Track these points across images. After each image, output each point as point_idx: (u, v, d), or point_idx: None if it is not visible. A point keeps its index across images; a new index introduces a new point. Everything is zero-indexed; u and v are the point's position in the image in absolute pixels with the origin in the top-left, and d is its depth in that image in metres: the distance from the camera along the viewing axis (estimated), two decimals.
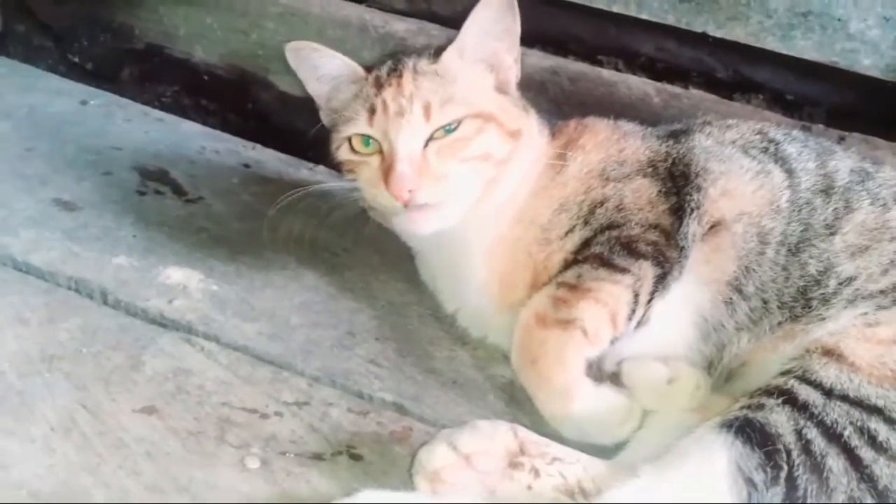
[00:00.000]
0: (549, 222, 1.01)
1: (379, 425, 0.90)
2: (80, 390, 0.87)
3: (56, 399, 0.85)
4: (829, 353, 0.84)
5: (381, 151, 0.99)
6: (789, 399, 0.80)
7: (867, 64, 1.33)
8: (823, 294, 0.91)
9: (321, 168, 1.53)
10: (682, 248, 0.97)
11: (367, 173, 1.00)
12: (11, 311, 0.98)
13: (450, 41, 1.04)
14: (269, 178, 1.45)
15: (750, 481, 0.75)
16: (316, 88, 1.10)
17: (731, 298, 0.96)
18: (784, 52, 1.33)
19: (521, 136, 1.01)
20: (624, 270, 0.95)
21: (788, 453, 0.76)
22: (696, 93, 1.42)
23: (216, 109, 1.72)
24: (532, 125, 1.06)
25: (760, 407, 0.80)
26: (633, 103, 1.41)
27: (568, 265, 0.98)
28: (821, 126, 1.35)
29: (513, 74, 1.05)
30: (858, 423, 0.78)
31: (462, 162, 0.97)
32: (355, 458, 0.84)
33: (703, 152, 1.02)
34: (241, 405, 0.89)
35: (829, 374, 0.82)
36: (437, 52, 1.03)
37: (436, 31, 1.51)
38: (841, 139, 1.32)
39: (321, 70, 1.07)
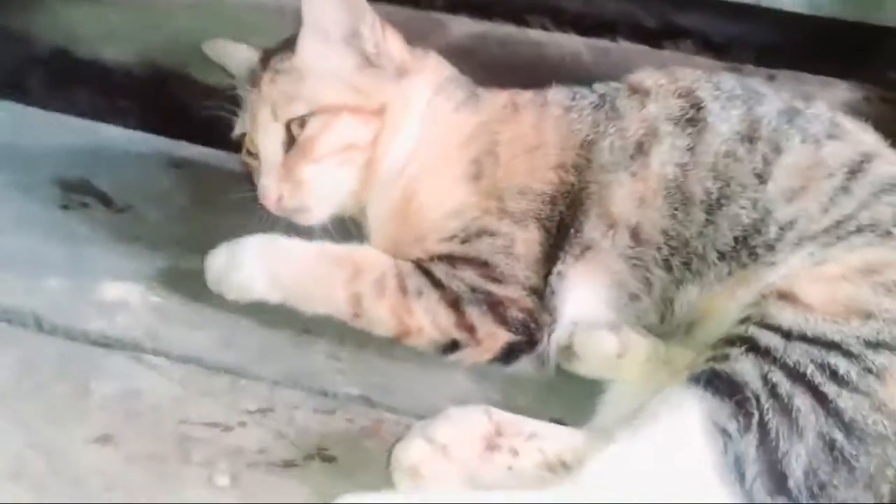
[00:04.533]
0: (437, 221, 0.99)
1: (348, 422, 0.88)
2: (25, 429, 0.82)
3: (1, 443, 0.80)
4: (784, 295, 0.85)
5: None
6: (752, 346, 0.81)
7: (790, 1, 1.35)
8: (766, 241, 0.92)
9: None
10: (553, 294, 0.94)
11: (255, 181, 1.03)
12: None
13: None
14: (200, 177, 1.39)
15: (724, 431, 0.75)
16: (235, 80, 1.10)
17: (648, 266, 0.95)
18: None
19: (386, 110, 1.01)
20: (468, 328, 0.93)
21: (757, 399, 0.77)
22: (625, 45, 1.43)
23: (134, 109, 1.63)
24: (414, 91, 1.04)
25: (725, 357, 0.80)
26: (564, 62, 1.41)
27: (423, 260, 0.97)
28: (750, 66, 1.36)
29: (372, 44, 1.02)
30: (819, 361, 0.79)
31: (316, 162, 0.98)
32: (328, 459, 0.82)
33: (599, 169, 0.99)
34: (202, 420, 0.86)
35: (785, 316, 0.83)
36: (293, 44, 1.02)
37: None
38: (771, 78, 1.34)
39: (233, 62, 1.10)
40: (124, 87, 1.62)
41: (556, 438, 0.79)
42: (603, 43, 1.42)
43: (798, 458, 0.76)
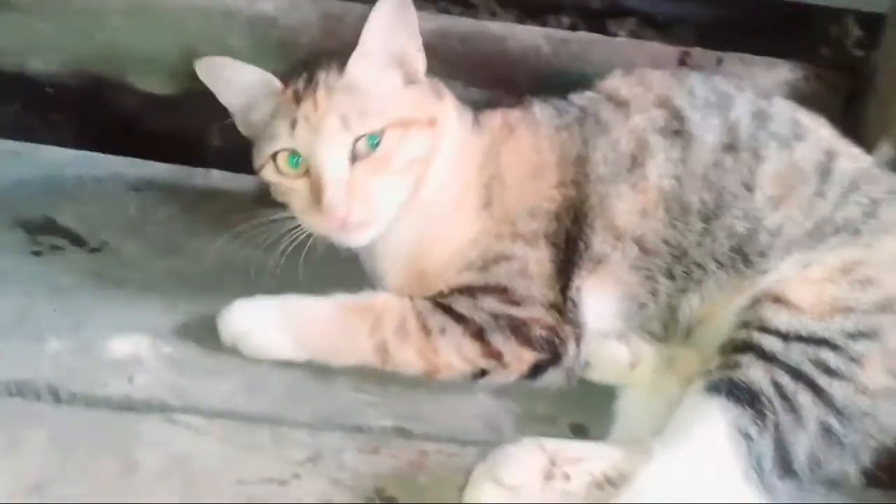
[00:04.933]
0: (459, 250, 1.02)
1: (394, 458, 0.92)
2: None
3: None
4: (777, 300, 0.94)
5: (307, 174, 0.98)
6: (758, 352, 0.90)
7: None
8: (758, 249, 1.00)
9: (215, 173, 1.45)
10: (575, 307, 1.00)
11: (297, 201, 1.01)
12: None
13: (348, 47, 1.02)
14: (167, 198, 1.35)
15: (747, 436, 0.85)
16: (231, 100, 1.07)
17: (654, 276, 1.02)
18: None
19: (436, 124, 1.02)
20: (495, 355, 0.97)
21: (770, 401, 0.87)
22: (582, 35, 1.47)
23: (69, 124, 1.56)
24: (448, 110, 1.07)
25: (737, 365, 0.90)
26: (525, 55, 1.43)
27: (441, 297, 1.00)
28: (699, 49, 1.43)
29: (419, 63, 1.04)
30: (813, 358, 0.90)
31: (393, 175, 0.99)
32: (388, 500, 0.87)
33: (598, 181, 1.04)
34: (257, 478, 0.88)
35: (781, 319, 0.92)
36: (344, 62, 1.01)
37: (307, 6, 1.44)
38: (719, 60, 1.42)
39: (235, 83, 1.04)
40: (55, 100, 1.53)
41: (601, 458, 0.86)
42: (561, 33, 1.45)
43: (802, 445, 0.87)
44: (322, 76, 1.00)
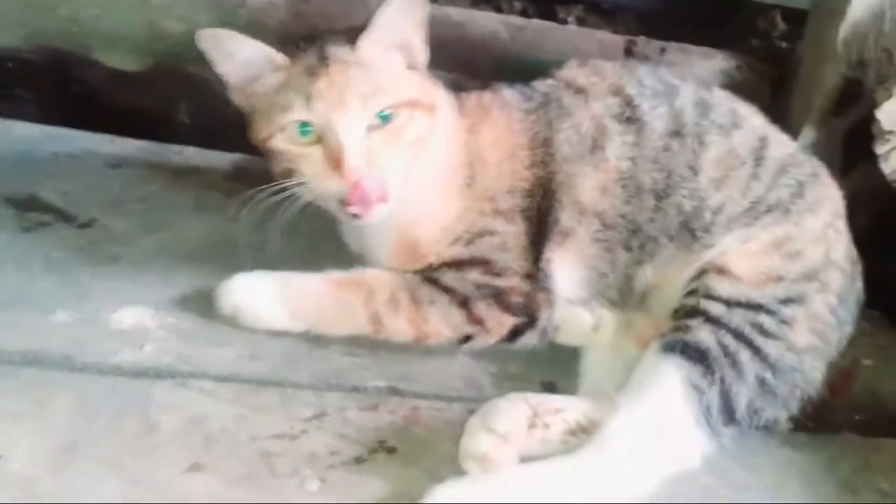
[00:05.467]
0: (448, 226, 1.12)
1: (391, 413, 1.03)
2: (116, 470, 0.89)
3: (101, 487, 0.87)
4: (720, 270, 1.08)
5: (319, 142, 1.04)
6: (705, 317, 1.04)
7: None
8: (703, 225, 1.13)
9: (189, 150, 1.50)
10: (546, 276, 1.11)
11: (310, 167, 1.05)
12: None
13: (355, 27, 1.08)
14: (145, 175, 1.40)
15: (698, 388, 0.99)
16: (230, 71, 1.09)
17: (613, 248, 1.14)
18: None
19: (435, 109, 1.11)
20: (479, 321, 1.08)
21: (717, 359, 1.01)
22: (536, 22, 1.57)
23: (35, 99, 1.57)
24: (442, 97, 1.15)
25: (688, 328, 1.04)
26: (484, 40, 1.52)
27: (434, 268, 1.10)
28: (643, 38, 1.56)
29: (421, 53, 1.12)
30: (751, 321, 1.05)
31: (400, 149, 1.07)
32: (390, 451, 0.97)
33: (563, 161, 1.15)
34: (269, 434, 0.97)
35: (724, 288, 1.07)
36: (351, 40, 1.07)
37: None
38: (662, 50, 1.55)
39: (237, 55, 1.07)
40: (18, 75, 1.54)
41: (575, 409, 0.99)
42: (517, 20, 1.55)
43: (743, 395, 1.03)
44: (334, 51, 1.04)
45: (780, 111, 1.46)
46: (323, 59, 1.04)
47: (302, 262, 1.17)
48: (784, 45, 1.61)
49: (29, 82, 1.55)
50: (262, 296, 1.09)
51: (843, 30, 1.39)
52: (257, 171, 1.15)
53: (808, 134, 1.46)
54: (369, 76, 1.04)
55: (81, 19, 1.47)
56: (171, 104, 1.58)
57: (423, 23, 1.09)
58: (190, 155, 1.48)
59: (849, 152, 1.42)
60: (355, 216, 1.06)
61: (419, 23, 1.09)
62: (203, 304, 1.12)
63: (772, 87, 1.55)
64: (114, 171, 1.39)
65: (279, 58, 1.07)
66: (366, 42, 1.06)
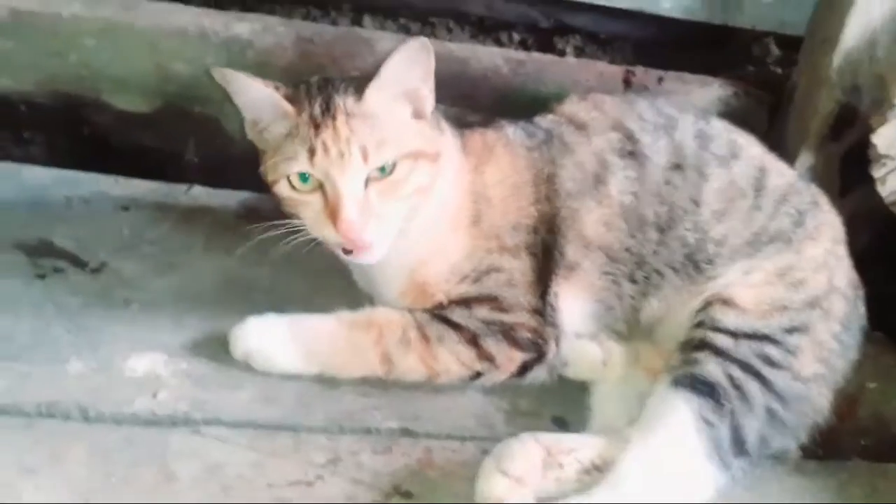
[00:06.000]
0: (456, 265, 1.14)
1: (405, 456, 1.04)
2: None
3: None
4: (726, 302, 1.10)
5: (320, 189, 1.06)
6: (713, 349, 1.06)
7: (667, 7, 1.58)
8: (707, 257, 1.14)
9: (197, 189, 1.51)
10: (553, 310, 1.13)
11: (310, 213, 1.07)
12: (11, 463, 0.95)
13: (363, 74, 1.10)
14: (155, 217, 1.41)
15: (708, 422, 1.01)
16: (243, 105, 1.11)
17: (619, 280, 1.16)
18: (598, 2, 1.58)
19: (439, 158, 1.12)
20: (488, 358, 1.09)
21: (725, 392, 1.03)
22: (537, 56, 1.58)
23: (45, 142, 1.59)
24: (448, 142, 1.16)
25: (697, 362, 1.05)
26: (486, 74, 1.54)
27: (443, 306, 1.12)
28: (640, 67, 1.58)
29: (429, 103, 1.13)
30: (758, 352, 1.07)
31: (399, 200, 1.08)
32: (406, 495, 0.98)
33: (567, 197, 1.16)
34: (285, 481, 0.98)
35: (730, 319, 1.08)
36: (359, 89, 1.07)
37: (282, 28, 1.51)
38: (660, 79, 1.57)
39: (248, 95, 1.09)
40: (30, 119, 1.55)
41: (588, 447, 1.00)
42: (517, 54, 1.57)
43: (752, 427, 1.04)
44: (339, 102, 1.05)
45: (777, 136, 1.50)
46: (328, 111, 1.05)
47: (313, 299, 1.20)
48: (779, 70, 1.62)
49: (41, 126, 1.56)
50: (275, 339, 1.10)
51: (837, 57, 1.40)
52: (266, 209, 1.17)
53: (806, 158, 1.47)
54: (373, 128, 1.04)
55: (92, 64, 1.49)
56: (179, 144, 1.59)
57: (431, 72, 1.10)
58: (198, 194, 1.49)
59: (846, 175, 1.43)
60: (349, 253, 1.08)
61: (427, 72, 1.10)
62: (215, 348, 1.13)
63: (768, 112, 1.57)
64: (124, 213, 1.41)
65: (286, 106, 1.08)
66: (372, 91, 1.06)
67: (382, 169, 1.06)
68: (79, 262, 1.27)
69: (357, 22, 1.66)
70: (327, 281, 1.23)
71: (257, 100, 1.08)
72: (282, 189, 1.08)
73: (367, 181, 1.05)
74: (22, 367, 1.07)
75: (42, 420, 1.01)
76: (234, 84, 1.08)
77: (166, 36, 1.48)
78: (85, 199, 1.41)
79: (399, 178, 1.06)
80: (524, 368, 1.12)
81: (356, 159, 1.03)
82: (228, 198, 1.48)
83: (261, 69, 1.46)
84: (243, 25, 1.49)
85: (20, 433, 0.99)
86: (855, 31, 1.39)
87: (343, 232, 1.03)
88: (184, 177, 1.55)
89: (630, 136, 1.20)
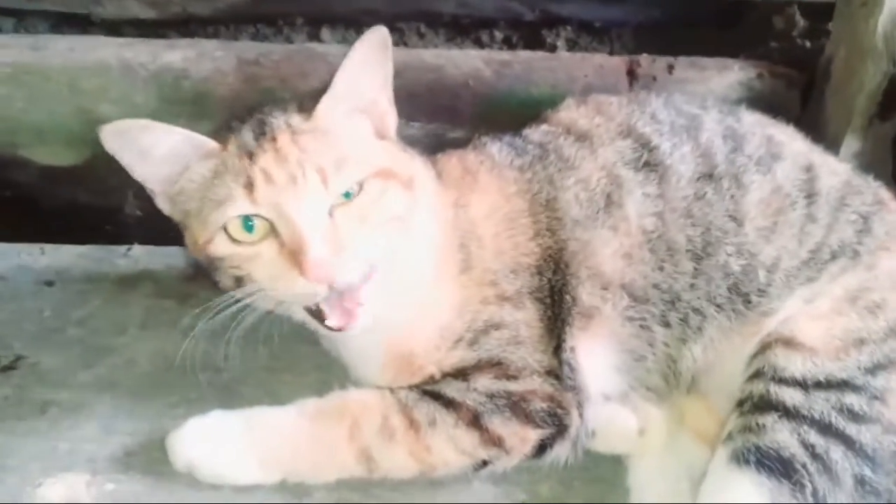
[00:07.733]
0: (447, 325, 0.92)
1: None
2: None
3: None
4: (788, 343, 0.89)
5: (272, 233, 0.84)
6: (781, 410, 0.84)
7: None
8: (758, 287, 0.93)
9: (137, 249, 1.30)
10: (572, 370, 0.91)
11: (263, 269, 0.85)
12: None
13: (310, 91, 0.91)
14: (84, 291, 1.20)
15: None
16: (149, 172, 0.90)
17: (649, 325, 0.94)
18: None
19: (413, 185, 0.91)
20: (496, 441, 0.88)
21: (805, 467, 0.82)
22: (524, 54, 1.39)
23: None
24: (419, 169, 0.95)
25: (762, 428, 0.83)
26: (466, 80, 1.34)
27: (435, 380, 0.91)
28: (646, 56, 1.36)
29: (390, 118, 0.93)
30: (837, 405, 0.85)
31: (374, 228, 0.86)
32: None
33: (573, 225, 0.95)
34: None
35: (796, 365, 0.87)
36: (304, 106, 0.88)
37: (220, 52, 1.31)
38: (671, 68, 1.36)
39: (155, 151, 0.87)
40: None
41: None
42: (501, 55, 1.35)
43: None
44: (279, 122, 0.87)
45: (813, 121, 1.31)
46: (263, 134, 0.85)
47: (270, 379, 1.02)
48: (808, 44, 1.41)
49: None
50: (223, 445, 0.88)
51: (882, 21, 1.21)
52: None
53: (851, 144, 1.28)
54: (329, 146, 0.85)
55: (4, 115, 1.30)
56: (116, 198, 1.38)
57: (390, 77, 0.91)
58: (138, 255, 1.28)
59: None
60: (334, 329, 0.86)
61: (386, 80, 0.91)
62: (153, 458, 0.92)
63: (801, 94, 1.35)
64: (48, 289, 1.20)
65: (207, 143, 0.86)
66: (325, 105, 0.87)
67: (347, 194, 0.84)
68: None
69: (315, 37, 1.47)
70: (288, 349, 1.01)
71: (171, 147, 0.86)
72: (219, 247, 0.86)
73: (332, 209, 0.84)
74: None
75: None
76: (135, 138, 0.86)
77: (86, 74, 1.29)
78: (1, 277, 1.19)
79: (369, 200, 0.85)
80: (542, 447, 0.89)
81: (313, 183, 0.82)
82: (175, 257, 1.26)
83: (200, 101, 1.30)
84: (174, 54, 1.30)
85: None
86: None
87: (313, 275, 0.81)
88: (125, 236, 1.35)
89: (645, 143, 0.98)
